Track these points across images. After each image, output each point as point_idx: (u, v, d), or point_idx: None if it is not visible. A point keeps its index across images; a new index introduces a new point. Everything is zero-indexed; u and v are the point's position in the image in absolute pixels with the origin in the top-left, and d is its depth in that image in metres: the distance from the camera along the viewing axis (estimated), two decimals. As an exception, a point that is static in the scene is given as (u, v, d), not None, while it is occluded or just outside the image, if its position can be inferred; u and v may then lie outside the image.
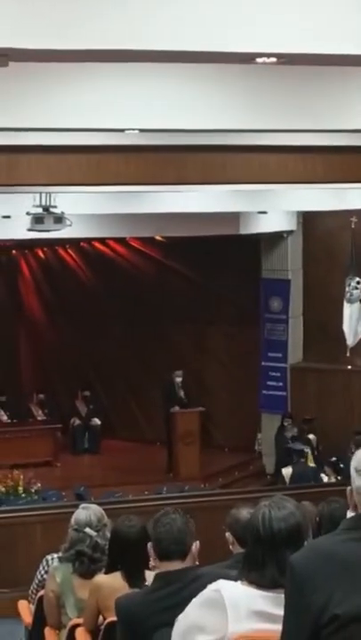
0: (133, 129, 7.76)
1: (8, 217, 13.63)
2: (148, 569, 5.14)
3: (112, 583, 5.43)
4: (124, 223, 15.22)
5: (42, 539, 11.69)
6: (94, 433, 18.49)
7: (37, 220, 12.69)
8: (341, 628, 2.75)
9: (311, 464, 15.51)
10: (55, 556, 6.53)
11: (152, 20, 4.79)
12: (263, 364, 17.69)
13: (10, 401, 18.71)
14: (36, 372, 20.19)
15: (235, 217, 15.41)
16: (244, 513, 5.40)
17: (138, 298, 18.68)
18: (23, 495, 14.50)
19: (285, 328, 17.53)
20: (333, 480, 14.39)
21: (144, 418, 18.97)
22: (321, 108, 7.37)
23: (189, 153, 9.94)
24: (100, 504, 6.71)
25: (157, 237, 17.68)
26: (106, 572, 5.62)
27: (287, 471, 15.05)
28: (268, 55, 5.24)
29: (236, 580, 3.28)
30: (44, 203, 12.68)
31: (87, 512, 6.12)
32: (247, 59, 5.37)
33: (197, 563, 4.44)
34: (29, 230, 12.97)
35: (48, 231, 12.88)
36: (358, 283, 15.86)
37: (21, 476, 14.93)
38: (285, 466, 15.32)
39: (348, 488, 2.96)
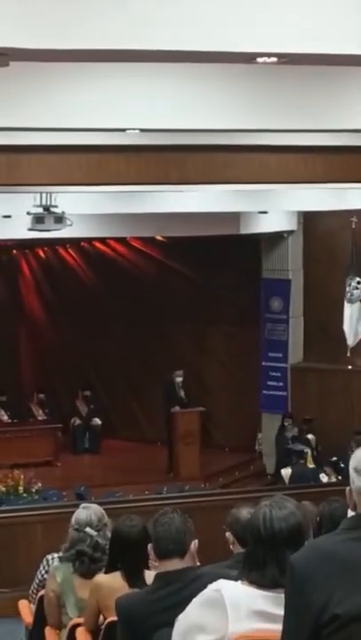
0: (134, 129, 7.76)
1: (9, 217, 13.63)
2: (148, 569, 5.14)
3: (112, 583, 5.44)
4: (124, 223, 15.22)
5: (42, 538, 11.69)
6: (95, 433, 18.49)
7: (38, 219, 12.70)
8: (342, 628, 2.75)
9: (310, 465, 15.53)
10: (55, 555, 6.53)
11: (152, 20, 4.79)
12: (264, 363, 17.69)
13: (10, 401, 18.71)
14: (36, 371, 20.18)
15: (235, 217, 15.41)
16: (245, 513, 5.41)
17: (138, 298, 18.68)
18: (24, 495, 14.50)
19: (286, 328, 17.53)
20: (334, 480, 14.39)
21: (144, 418, 18.97)
22: (321, 107, 7.37)
23: (190, 153, 9.94)
24: (100, 504, 6.71)
25: (158, 237, 17.68)
26: (106, 572, 5.62)
27: (286, 472, 15.08)
28: (269, 55, 5.24)
29: (236, 579, 3.29)
30: (44, 202, 12.68)
31: (88, 512, 6.12)
32: (248, 58, 5.37)
33: (198, 562, 4.45)
34: (30, 230, 12.97)
35: (48, 231, 12.88)
36: (359, 283, 15.86)
37: (22, 476, 14.93)
38: (285, 467, 15.35)
39: (348, 488, 2.96)
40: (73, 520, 6.14)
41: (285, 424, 16.58)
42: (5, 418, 18.41)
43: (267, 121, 7.47)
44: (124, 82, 6.88)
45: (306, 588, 2.80)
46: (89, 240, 18.46)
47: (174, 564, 4.32)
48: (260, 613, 3.16)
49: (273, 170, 10.57)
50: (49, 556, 6.75)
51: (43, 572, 6.78)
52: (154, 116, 7.20)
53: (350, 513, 3.00)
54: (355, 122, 7.55)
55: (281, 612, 2.93)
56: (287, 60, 5.44)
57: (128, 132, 7.96)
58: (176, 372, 17.28)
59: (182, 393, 17.21)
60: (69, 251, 19.58)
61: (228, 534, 5.58)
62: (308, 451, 15.79)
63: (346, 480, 3.00)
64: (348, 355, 16.24)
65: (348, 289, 15.87)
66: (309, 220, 17.19)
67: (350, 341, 15.91)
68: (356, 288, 15.84)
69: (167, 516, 4.39)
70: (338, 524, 2.98)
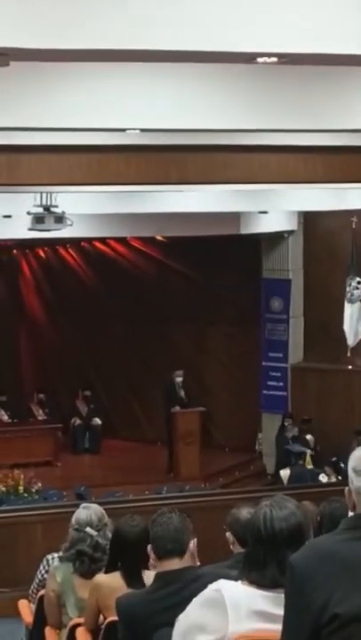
0: (134, 129, 7.76)
1: (9, 216, 13.64)
2: (148, 569, 5.14)
3: (111, 583, 5.43)
4: (124, 223, 15.23)
5: (42, 538, 11.70)
6: (95, 433, 18.50)
7: (38, 219, 12.70)
8: (342, 628, 2.75)
9: (309, 466, 15.54)
10: (56, 555, 6.53)
11: (152, 20, 4.79)
12: (264, 363, 17.69)
13: (10, 401, 18.71)
14: (36, 371, 20.18)
15: (235, 217, 15.41)
16: (245, 513, 5.41)
17: (138, 297, 18.69)
18: (24, 495, 14.50)
19: (286, 328, 17.54)
20: (334, 480, 14.39)
21: (145, 418, 18.97)
22: (321, 107, 7.37)
23: (190, 153, 9.94)
24: (100, 504, 6.71)
25: (158, 237, 17.68)
26: (106, 572, 5.62)
27: (285, 473, 15.10)
28: (269, 55, 5.24)
29: (236, 579, 3.29)
30: (44, 202, 12.68)
31: (88, 512, 6.11)
32: (248, 58, 5.37)
33: (198, 562, 4.45)
34: (30, 230, 12.97)
35: (49, 231, 12.88)
36: (359, 283, 15.86)
37: (22, 476, 14.94)
38: (284, 468, 15.36)
39: (347, 488, 2.97)
40: (73, 520, 6.14)
41: (286, 424, 16.59)
42: (5, 418, 18.41)
43: (267, 121, 7.47)
44: (124, 82, 6.88)
45: (306, 587, 2.80)
46: (89, 240, 18.47)
47: (174, 564, 4.32)
48: (260, 613, 3.16)
49: (273, 170, 10.57)
50: (49, 556, 6.74)
51: (43, 571, 6.78)
52: (154, 116, 7.20)
53: (351, 513, 3.00)
54: (355, 122, 7.55)
55: (281, 612, 2.93)
56: (287, 60, 5.44)
57: (128, 132, 7.96)
58: (176, 372, 17.28)
59: (182, 393, 17.21)
60: (69, 251, 19.58)
61: (228, 534, 5.58)
62: (308, 452, 15.80)
63: (346, 480, 3.01)
64: (349, 355, 16.24)
65: (348, 289, 15.87)
66: (310, 219, 17.19)
67: (350, 341, 15.92)
68: (357, 288, 15.84)
69: (165, 515, 4.40)
70: (338, 524, 2.98)
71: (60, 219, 12.72)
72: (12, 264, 20.14)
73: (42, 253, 20.00)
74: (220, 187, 12.29)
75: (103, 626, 5.39)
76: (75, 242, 18.48)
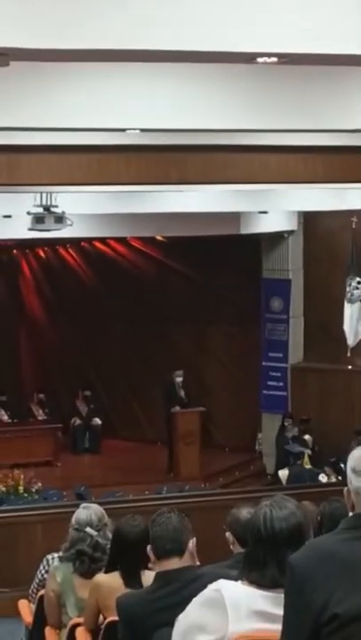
0: (134, 129, 7.76)
1: (9, 216, 13.64)
2: (148, 569, 5.14)
3: (111, 582, 5.43)
4: (124, 223, 15.23)
5: (42, 538, 11.69)
6: (95, 433, 18.50)
7: (38, 219, 12.69)
8: (342, 627, 2.75)
9: (308, 466, 15.55)
10: (55, 555, 6.53)
11: (152, 20, 4.79)
12: (264, 363, 17.69)
13: (10, 401, 18.71)
14: (36, 371, 20.18)
15: (235, 217, 15.41)
16: (245, 513, 5.41)
17: (138, 297, 18.69)
18: (24, 495, 14.50)
19: (286, 328, 17.54)
20: (334, 480, 14.39)
21: (145, 418, 18.97)
22: (321, 107, 7.37)
23: (190, 153, 9.94)
24: (100, 504, 6.71)
25: (158, 237, 17.68)
26: (106, 572, 5.62)
27: (283, 473, 15.13)
28: (269, 55, 5.24)
29: (236, 579, 3.29)
30: (44, 202, 12.68)
31: (88, 511, 6.12)
32: (248, 58, 5.37)
33: (198, 562, 4.45)
34: (30, 230, 12.97)
35: (49, 231, 12.88)
36: (359, 283, 15.86)
37: (22, 476, 14.94)
38: (283, 468, 15.37)
39: (346, 488, 2.97)
40: (73, 520, 6.14)
41: (286, 424, 16.58)
42: (5, 418, 18.41)
43: (267, 121, 7.48)
44: (124, 82, 6.88)
45: (306, 587, 2.80)
46: (89, 240, 18.47)
47: (173, 564, 4.32)
48: (260, 613, 3.16)
49: (273, 170, 10.57)
50: (49, 556, 6.75)
51: (43, 571, 6.78)
52: (154, 116, 7.20)
53: (351, 513, 3.00)
54: (355, 122, 7.55)
55: (281, 612, 2.94)
56: (287, 60, 5.44)
57: (128, 132, 7.96)
58: (176, 372, 17.28)
59: (182, 393, 17.21)
60: (69, 251, 19.58)
61: (227, 534, 5.58)
62: (307, 452, 15.81)
63: (346, 480, 3.01)
64: (349, 355, 16.24)
65: (348, 289, 15.88)
66: (310, 220, 17.19)
67: (350, 341, 15.92)
68: (357, 288, 15.84)
69: (164, 515, 4.40)
70: (338, 524, 2.98)
71: (59, 219, 12.72)
72: (12, 264, 20.14)
73: (42, 253, 20.00)
74: (220, 187, 12.28)
75: (103, 626, 5.39)
76: (75, 242, 18.48)
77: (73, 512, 6.24)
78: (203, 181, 10.86)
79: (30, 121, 7.11)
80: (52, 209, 12.68)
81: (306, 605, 2.79)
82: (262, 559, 3.26)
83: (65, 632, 5.88)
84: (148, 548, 4.42)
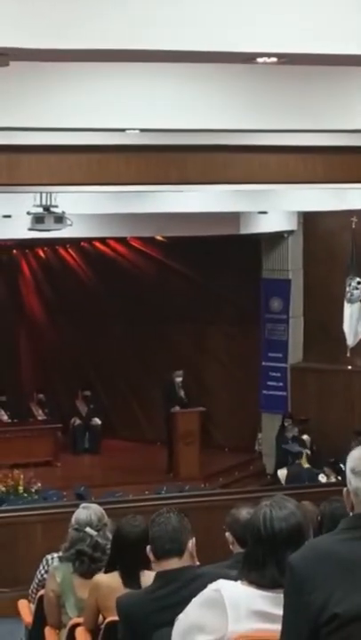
0: (134, 129, 7.76)
1: (9, 216, 13.64)
2: (147, 569, 5.14)
3: (110, 583, 5.43)
4: (124, 223, 15.23)
5: (42, 538, 11.69)
6: (95, 433, 18.49)
7: (38, 219, 12.69)
8: (341, 627, 2.75)
9: (306, 465, 15.55)
10: (55, 555, 6.53)
11: (152, 20, 4.79)
12: (263, 364, 17.69)
13: (10, 401, 18.71)
14: (36, 371, 20.19)
15: (235, 217, 15.41)
16: (244, 513, 5.41)
17: (138, 297, 18.69)
18: (24, 495, 14.50)
19: (286, 328, 17.53)
20: (333, 480, 14.39)
21: (144, 418, 18.97)
22: (321, 108, 7.37)
23: (190, 153, 9.94)
24: (100, 504, 6.71)
25: (158, 237, 17.68)
26: (105, 572, 5.62)
27: (282, 472, 15.14)
28: (269, 55, 5.24)
29: (236, 579, 3.29)
30: (44, 202, 12.68)
31: (87, 511, 6.12)
32: (248, 59, 5.37)
33: (197, 562, 4.45)
34: (30, 230, 12.97)
35: (48, 231, 12.87)
36: (359, 283, 15.86)
37: (22, 476, 14.93)
38: (282, 467, 15.38)
39: (345, 489, 2.97)
40: (73, 520, 6.14)
41: (286, 424, 16.58)
42: (5, 418, 18.41)
43: (267, 121, 7.47)
44: (123, 82, 6.88)
45: (305, 587, 2.80)
46: (89, 240, 18.47)
47: (172, 564, 4.33)
48: (259, 613, 3.17)
49: (273, 170, 10.57)
50: (49, 556, 6.75)
51: (42, 571, 6.78)
52: (154, 116, 7.20)
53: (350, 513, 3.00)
54: (355, 122, 7.54)
55: (280, 612, 2.94)
56: (287, 60, 5.44)
57: (128, 131, 7.96)
58: (176, 372, 17.28)
59: (182, 393, 17.21)
60: (69, 251, 19.58)
61: (227, 534, 5.58)
62: (305, 451, 15.81)
63: (345, 480, 3.01)
64: (348, 355, 16.24)
65: (348, 289, 15.87)
66: (309, 220, 17.18)
67: (350, 341, 15.91)
68: (356, 288, 15.84)
69: (163, 515, 4.40)
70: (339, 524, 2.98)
71: (59, 219, 12.72)
72: (12, 264, 20.14)
73: (42, 253, 20.00)
74: (220, 187, 12.28)
75: (103, 626, 5.39)
76: (74, 242, 18.48)
77: (73, 512, 6.24)
78: (203, 181, 10.86)
79: (30, 121, 7.11)
80: (52, 209, 12.68)
81: (305, 605, 2.79)
82: (262, 559, 3.26)
83: (65, 632, 5.88)
84: (148, 548, 4.42)
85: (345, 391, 16.91)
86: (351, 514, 2.96)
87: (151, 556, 4.41)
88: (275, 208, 15.30)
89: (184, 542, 4.34)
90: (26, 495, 14.48)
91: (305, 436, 16.28)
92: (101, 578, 5.59)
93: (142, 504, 12.19)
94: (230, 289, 17.83)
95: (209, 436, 17.56)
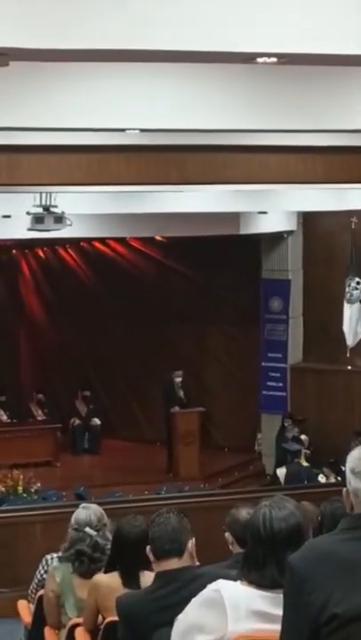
0: (134, 129, 7.76)
1: (8, 216, 13.63)
2: (147, 570, 5.13)
3: (110, 583, 5.43)
4: (124, 223, 15.22)
5: (42, 538, 11.69)
6: (94, 433, 18.49)
7: (38, 219, 12.69)
8: (341, 627, 2.75)
9: (305, 463, 15.57)
10: (55, 555, 6.53)
11: (152, 20, 4.79)
12: (263, 364, 17.68)
13: (10, 401, 18.71)
14: (36, 371, 20.19)
15: (235, 217, 15.41)
16: (244, 513, 5.41)
17: (138, 298, 18.68)
18: (23, 495, 14.50)
19: (285, 328, 17.53)
20: (333, 480, 14.39)
21: (144, 418, 18.97)
22: (321, 108, 7.37)
23: (190, 153, 9.94)
24: (100, 504, 6.71)
25: (157, 237, 17.68)
26: (105, 572, 5.62)
27: (281, 471, 15.16)
28: (269, 55, 5.24)
29: (235, 579, 3.29)
30: (44, 202, 12.68)
31: (87, 512, 6.11)
32: (248, 59, 5.37)
33: (197, 562, 4.45)
34: (29, 230, 12.97)
35: (48, 231, 12.87)
36: (358, 283, 15.86)
37: (21, 476, 14.93)
38: (281, 466, 15.39)
39: (345, 489, 2.97)
40: (72, 520, 6.14)
41: (286, 424, 16.58)
42: (5, 418, 18.40)
43: (267, 121, 7.47)
44: (123, 82, 6.88)
45: (305, 587, 2.80)
46: (89, 240, 18.46)
47: (172, 564, 4.32)
48: (259, 613, 3.17)
49: (273, 170, 10.57)
50: (48, 556, 6.75)
51: (42, 571, 6.78)
52: (154, 116, 7.20)
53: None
54: (355, 122, 7.55)
55: (280, 612, 2.94)
56: (287, 60, 5.44)
57: (128, 131, 7.96)
58: (175, 373, 17.28)
59: (181, 393, 17.21)
60: (69, 251, 19.58)
61: (227, 534, 5.58)
62: (305, 451, 15.82)
63: (345, 481, 3.01)
64: (348, 355, 16.24)
65: (347, 289, 15.87)
66: (309, 220, 17.18)
67: (350, 342, 15.92)
68: (356, 288, 15.84)
69: (163, 516, 4.40)
70: (339, 524, 2.98)
71: (59, 219, 12.72)
72: (12, 264, 20.14)
73: (41, 253, 20.00)
74: (219, 187, 12.28)
75: (102, 626, 5.39)
76: (74, 242, 18.47)
77: (72, 512, 6.24)
78: (203, 181, 10.86)
79: (30, 121, 7.11)
80: (52, 209, 12.68)
81: (305, 605, 2.79)
82: (261, 559, 3.26)
83: (64, 632, 5.88)
84: (148, 548, 4.42)
85: (345, 391, 16.91)
86: (351, 514, 2.96)
87: (151, 557, 4.41)
88: (275, 208, 15.30)
89: (184, 542, 4.34)
90: (25, 495, 14.48)
91: (303, 436, 16.29)
92: (101, 578, 5.58)
93: (142, 504, 12.19)
94: (230, 289, 17.83)
95: (209, 436, 17.56)
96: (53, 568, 6.20)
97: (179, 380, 17.23)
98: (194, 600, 3.27)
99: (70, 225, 12.89)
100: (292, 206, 15.64)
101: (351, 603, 2.76)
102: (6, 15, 4.63)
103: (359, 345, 16.05)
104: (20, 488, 14.62)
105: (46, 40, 4.72)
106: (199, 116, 7.28)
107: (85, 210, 13.54)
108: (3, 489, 14.64)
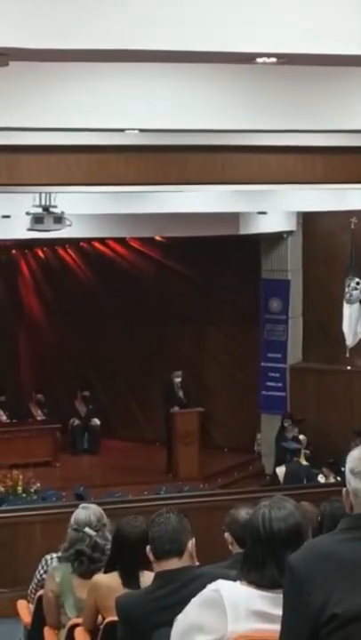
0: (133, 129, 7.76)
1: (8, 217, 13.63)
2: (147, 570, 5.13)
3: (110, 583, 5.43)
4: (123, 223, 15.22)
5: (41, 538, 11.68)
6: (94, 433, 18.49)
7: (37, 219, 12.69)
8: (340, 628, 2.75)
9: (304, 462, 15.57)
10: (54, 555, 6.53)
11: (152, 20, 4.79)
12: (263, 364, 17.68)
13: (9, 401, 18.70)
14: (35, 371, 20.18)
15: (235, 217, 15.41)
16: (243, 513, 5.41)
17: (138, 298, 18.68)
18: (22, 495, 14.49)
19: (285, 328, 17.52)
20: (333, 480, 14.39)
21: (144, 418, 18.97)
22: (321, 108, 7.37)
23: (189, 153, 9.94)
24: (99, 504, 6.71)
25: (157, 237, 17.68)
26: (105, 571, 5.62)
27: (281, 470, 15.16)
28: (269, 55, 5.24)
29: (235, 579, 3.29)
30: (43, 202, 12.68)
31: (87, 512, 6.11)
32: (247, 59, 5.37)
33: (197, 562, 4.45)
34: (29, 230, 12.97)
35: (48, 231, 12.87)
36: (358, 283, 15.86)
37: (21, 476, 14.92)
38: (280, 465, 15.40)
39: (344, 489, 2.97)
40: (72, 520, 6.14)
41: (285, 425, 16.57)
42: (4, 418, 18.40)
43: (267, 121, 7.47)
44: (123, 82, 6.88)
45: (305, 587, 2.80)
46: (88, 240, 18.46)
47: (172, 564, 4.33)
48: (258, 613, 3.16)
49: (273, 170, 10.56)
50: (48, 556, 6.75)
51: (41, 571, 6.78)
52: (154, 116, 7.20)
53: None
54: (355, 122, 7.55)
55: (279, 612, 2.94)
56: (287, 60, 5.44)
57: (127, 132, 7.96)
58: (175, 373, 17.28)
59: (181, 393, 17.21)
60: (69, 251, 19.58)
61: (226, 535, 5.58)
62: (304, 451, 15.82)
63: (345, 481, 3.01)
64: (348, 355, 16.23)
65: (347, 289, 15.87)
66: (309, 220, 17.18)
67: (349, 342, 15.91)
68: (356, 289, 15.84)
69: (163, 516, 4.40)
70: (339, 524, 2.98)
71: (59, 219, 12.72)
72: (11, 264, 20.14)
73: (41, 254, 20.00)
74: (219, 187, 12.28)
75: (102, 626, 5.39)
76: (74, 242, 18.47)
77: (72, 512, 6.24)
78: (202, 181, 10.86)
79: (30, 121, 7.11)
80: (52, 209, 12.68)
81: (305, 606, 2.79)
82: (261, 559, 3.26)
83: (64, 632, 5.88)
84: (148, 548, 4.42)
85: (344, 391, 16.91)
86: (351, 514, 2.96)
87: (151, 557, 4.41)
88: (274, 208, 15.30)
89: (184, 542, 4.34)
90: (25, 495, 14.48)
91: (301, 436, 16.29)
92: (101, 578, 5.58)
93: (142, 504, 12.18)
94: (230, 289, 17.83)
95: (208, 436, 17.56)
96: (53, 568, 6.20)
97: (178, 380, 17.23)
98: (193, 600, 3.27)
99: (70, 225, 12.89)
100: (292, 206, 15.64)
101: (351, 603, 2.76)
102: (6, 15, 4.63)
103: (359, 345, 16.04)
104: (19, 488, 14.61)
105: (46, 40, 4.72)
106: (199, 116, 7.28)
107: (85, 210, 13.54)
108: (2, 489, 14.64)
